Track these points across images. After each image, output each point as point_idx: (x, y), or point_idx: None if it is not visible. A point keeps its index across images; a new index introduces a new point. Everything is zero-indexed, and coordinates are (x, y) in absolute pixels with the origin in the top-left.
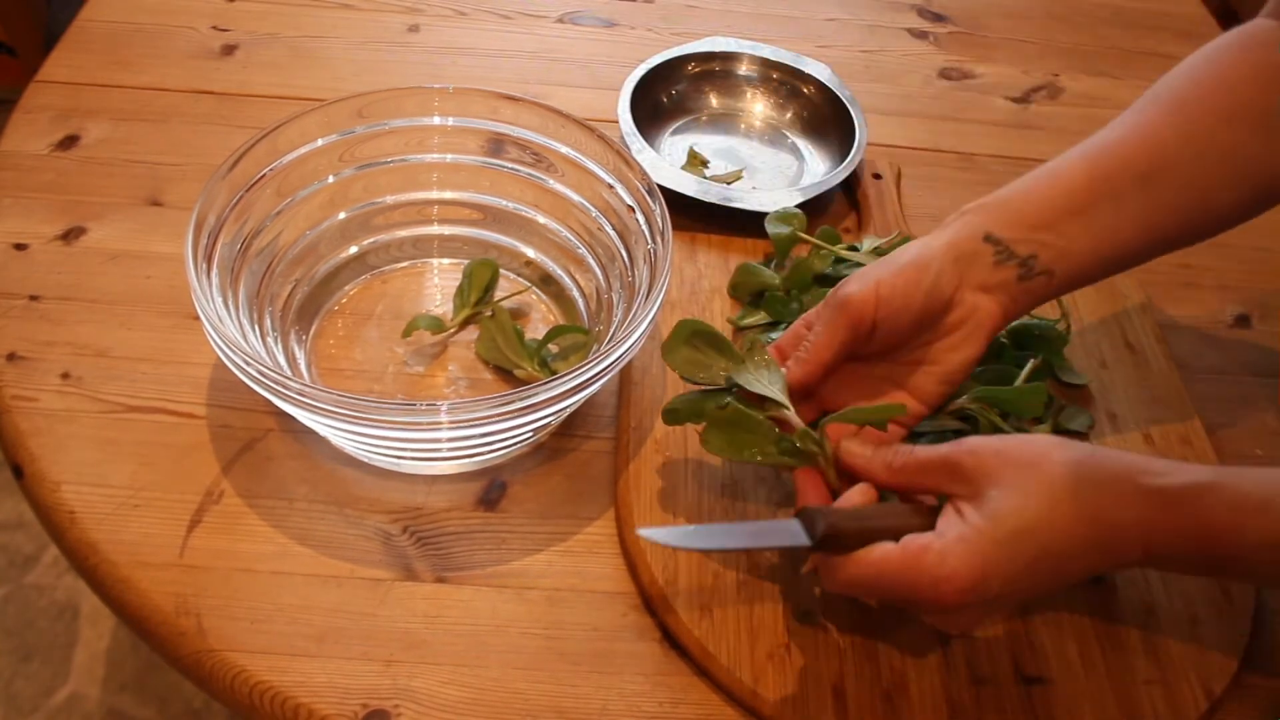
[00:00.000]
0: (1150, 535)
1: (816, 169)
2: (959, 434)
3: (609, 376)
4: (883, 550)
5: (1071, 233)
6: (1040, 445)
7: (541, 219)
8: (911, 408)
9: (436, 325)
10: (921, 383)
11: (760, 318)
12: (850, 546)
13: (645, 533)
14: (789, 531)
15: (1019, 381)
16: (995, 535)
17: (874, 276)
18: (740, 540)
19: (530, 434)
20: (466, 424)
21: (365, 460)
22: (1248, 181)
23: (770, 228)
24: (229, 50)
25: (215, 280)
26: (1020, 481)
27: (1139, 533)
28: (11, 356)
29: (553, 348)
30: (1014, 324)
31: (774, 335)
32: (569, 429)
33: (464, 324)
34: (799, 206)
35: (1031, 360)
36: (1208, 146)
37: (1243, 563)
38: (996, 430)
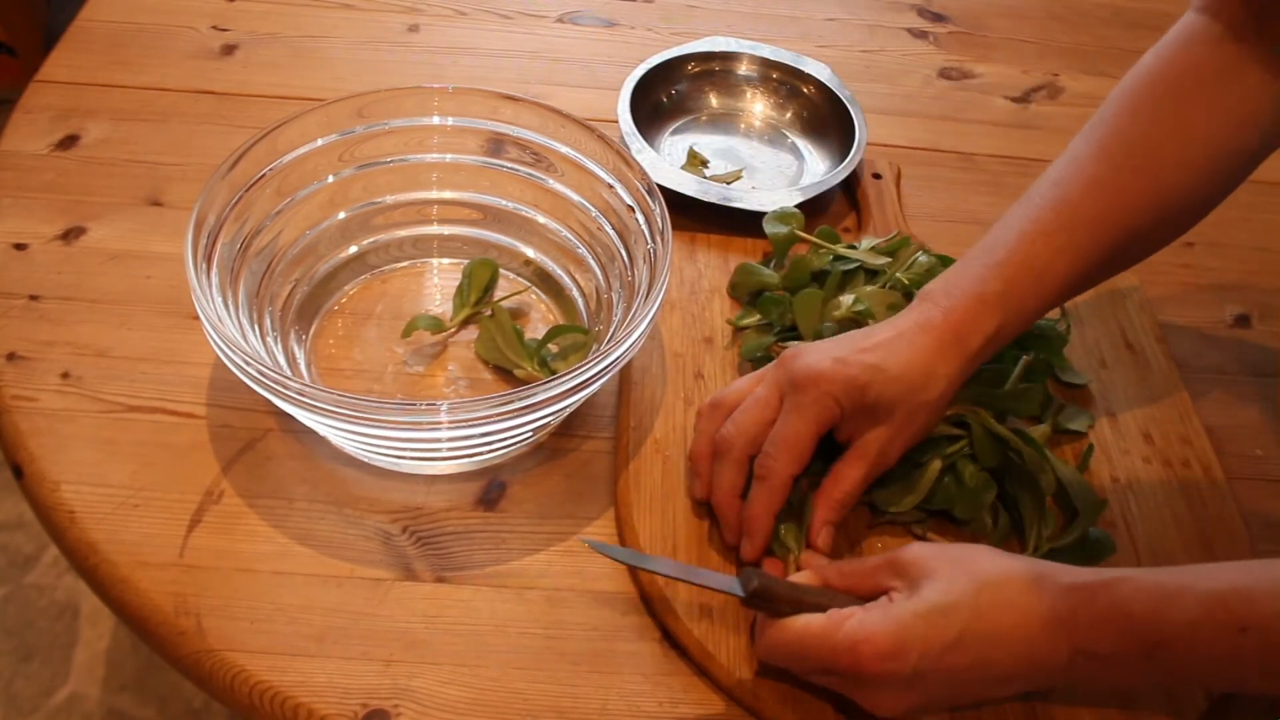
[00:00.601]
0: (1075, 630)
1: (816, 169)
2: (952, 440)
3: (609, 376)
4: (808, 618)
5: (1031, 305)
6: (976, 551)
7: (541, 219)
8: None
9: (436, 325)
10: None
11: (759, 319)
12: (783, 613)
13: (594, 544)
14: (727, 581)
15: (1011, 381)
16: (916, 609)
17: (901, 438)
18: (681, 574)
19: (530, 434)
20: (466, 424)
21: (365, 460)
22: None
23: (768, 227)
24: (229, 50)
25: (215, 280)
26: (951, 573)
27: (1064, 629)
28: (11, 356)
29: (552, 348)
30: None
31: (770, 338)
32: (569, 429)
33: (464, 324)
34: (799, 206)
35: (1023, 358)
36: (1174, 199)
37: (1176, 647)
38: (991, 433)
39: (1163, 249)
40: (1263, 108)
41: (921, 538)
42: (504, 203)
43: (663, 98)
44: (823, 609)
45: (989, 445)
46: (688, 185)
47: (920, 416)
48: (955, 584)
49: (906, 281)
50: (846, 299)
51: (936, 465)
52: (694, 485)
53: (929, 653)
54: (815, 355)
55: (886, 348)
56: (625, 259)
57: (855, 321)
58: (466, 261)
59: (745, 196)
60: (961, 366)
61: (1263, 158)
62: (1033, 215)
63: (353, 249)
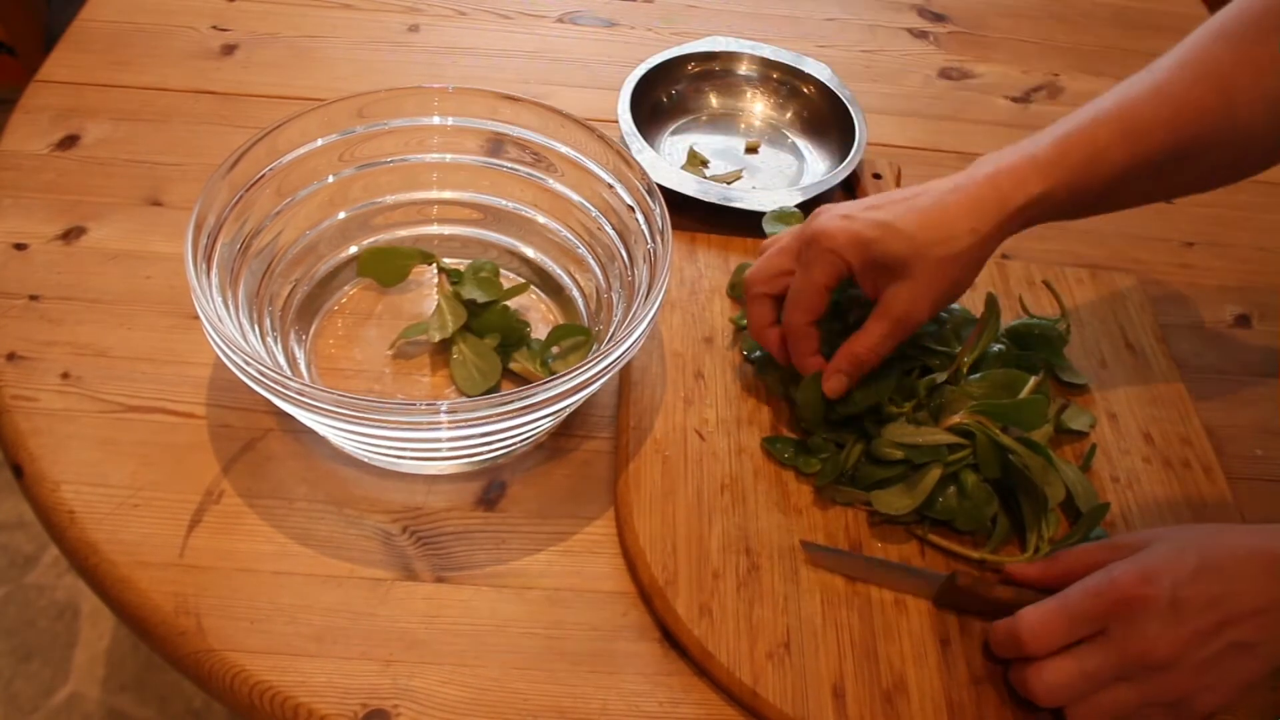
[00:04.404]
0: None
1: (816, 169)
2: (953, 448)
3: (609, 376)
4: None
5: (1082, 182)
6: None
7: (541, 219)
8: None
9: (423, 331)
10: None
11: None
12: (978, 614)
13: (809, 546)
14: (934, 577)
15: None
16: (1151, 551)
17: (927, 295)
18: (892, 570)
19: (530, 434)
20: (466, 424)
21: (365, 460)
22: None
23: (768, 227)
24: (229, 50)
25: (215, 280)
26: (1170, 534)
27: None
28: (11, 356)
29: (553, 349)
30: (1014, 324)
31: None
32: (569, 429)
33: (463, 326)
34: (799, 206)
35: (1033, 379)
36: (1243, 124)
37: None
38: (997, 444)
39: (1218, 183)
40: None
41: (922, 539)
42: (504, 203)
43: (663, 98)
44: (1018, 607)
45: (993, 457)
46: (688, 185)
47: (945, 271)
48: (1179, 536)
49: None
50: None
51: (936, 472)
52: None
53: (1180, 579)
54: (830, 214)
55: (906, 204)
56: (625, 259)
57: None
58: (467, 262)
59: (745, 196)
60: (999, 223)
61: None
62: (1095, 107)
63: (353, 249)
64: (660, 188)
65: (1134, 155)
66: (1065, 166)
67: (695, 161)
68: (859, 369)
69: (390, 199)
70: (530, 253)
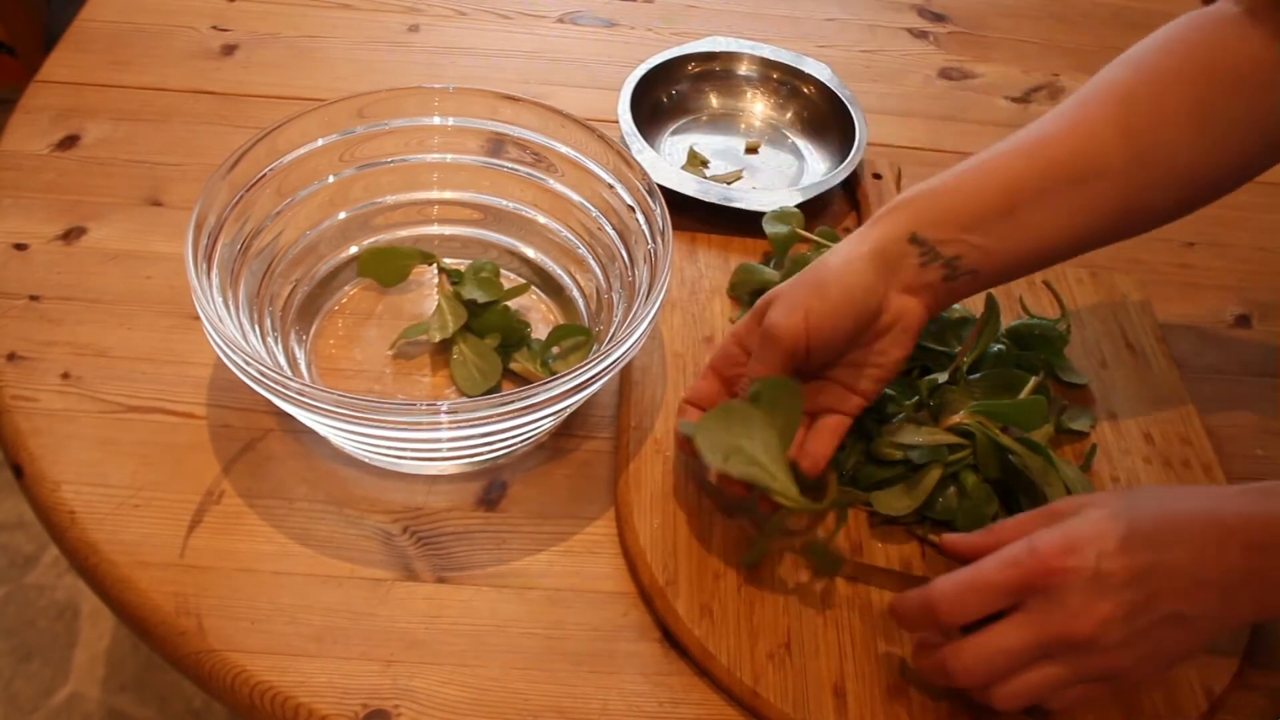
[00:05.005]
0: (1249, 524)
1: (816, 169)
2: (954, 448)
3: (609, 376)
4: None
5: (999, 233)
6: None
7: (541, 219)
8: (853, 403)
9: (424, 331)
10: (856, 382)
11: None
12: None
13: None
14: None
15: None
16: (1082, 519)
17: (802, 304)
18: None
19: (531, 434)
20: (467, 424)
21: (365, 460)
22: (1185, 183)
23: (768, 227)
24: (229, 50)
25: (215, 280)
26: (1104, 498)
27: (1237, 525)
28: (11, 356)
29: (554, 349)
30: (1014, 324)
31: None
32: (569, 429)
33: (463, 326)
34: (799, 206)
35: (1033, 379)
36: (1147, 148)
37: None
38: (997, 444)
39: (1163, 253)
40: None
41: (922, 539)
42: (504, 203)
43: (663, 98)
44: None
45: (993, 457)
46: (688, 185)
47: (885, 345)
48: (1113, 500)
49: None
50: None
51: (936, 472)
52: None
53: (1106, 549)
54: (780, 309)
55: (833, 284)
56: (625, 259)
57: None
58: (467, 262)
59: (745, 196)
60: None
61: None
62: (1010, 141)
63: (353, 249)
64: (660, 188)
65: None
66: (926, 204)
67: (695, 162)
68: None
69: (390, 199)
70: (530, 253)
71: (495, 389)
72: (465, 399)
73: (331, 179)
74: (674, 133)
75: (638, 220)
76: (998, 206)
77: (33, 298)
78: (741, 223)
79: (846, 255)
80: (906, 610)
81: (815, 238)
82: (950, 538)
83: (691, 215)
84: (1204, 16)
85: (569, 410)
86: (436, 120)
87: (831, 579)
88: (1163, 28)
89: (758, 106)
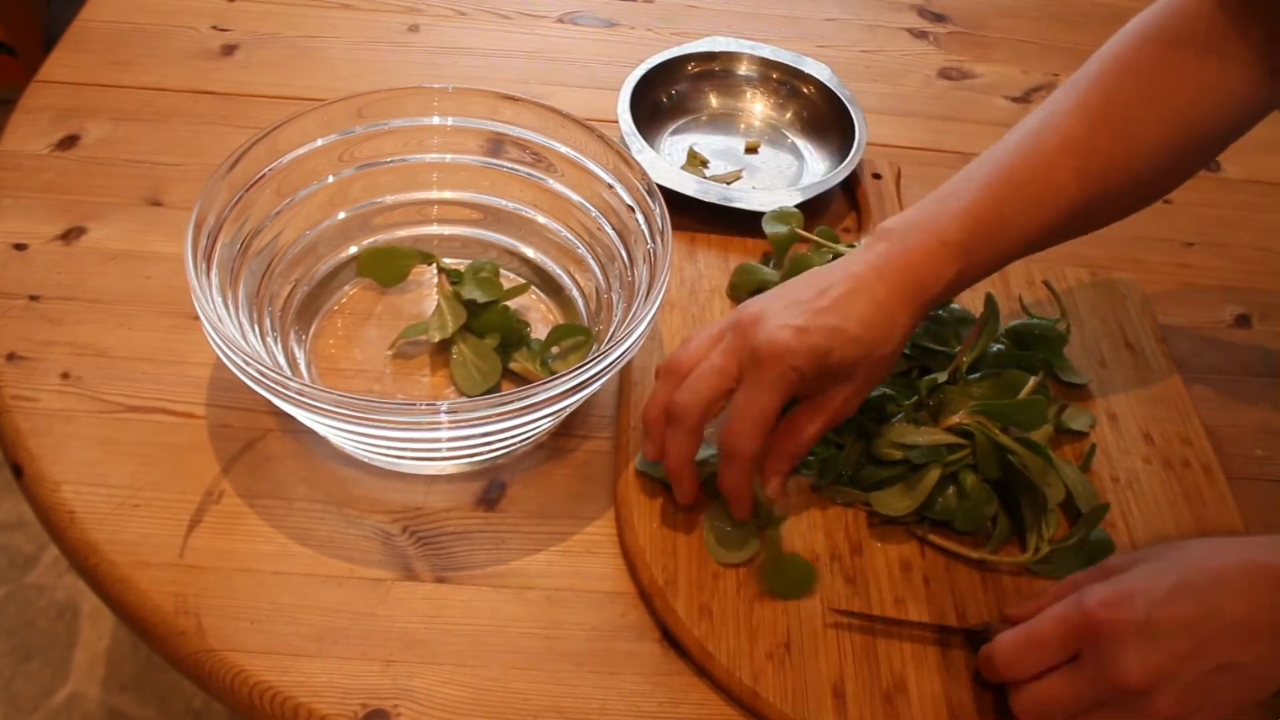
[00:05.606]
0: None
1: (816, 169)
2: (953, 448)
3: (609, 376)
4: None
5: (989, 259)
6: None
7: (541, 219)
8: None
9: (423, 331)
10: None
11: None
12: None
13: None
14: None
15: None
16: (1130, 574)
17: (865, 390)
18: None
19: (530, 434)
20: (466, 424)
21: (365, 460)
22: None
23: (768, 227)
24: (229, 50)
25: (215, 280)
26: (1156, 550)
27: None
28: (11, 356)
29: (553, 349)
30: (1014, 324)
31: None
32: (569, 429)
33: (463, 326)
34: (799, 206)
35: (1033, 379)
36: (1146, 168)
37: None
38: (996, 444)
39: (1157, 243)
40: (1244, 86)
41: (922, 539)
42: (504, 203)
43: (663, 98)
44: None
45: (992, 457)
46: (688, 185)
47: (880, 369)
48: (1162, 553)
49: None
50: None
51: (936, 472)
52: (645, 447)
53: (1156, 599)
54: (774, 324)
55: (846, 304)
56: (625, 259)
57: None
58: (467, 262)
59: (745, 196)
60: (920, 311)
61: (1235, 137)
62: (1004, 164)
63: (353, 249)
64: (660, 188)
65: (1039, 220)
66: (974, 246)
67: (695, 161)
68: (794, 464)
69: (390, 199)
70: (530, 253)
71: (495, 389)
72: (465, 399)
73: (331, 179)
74: (674, 133)
75: (637, 220)
76: (1018, 246)
77: (32, 298)
78: (741, 223)
79: (875, 304)
80: (981, 666)
81: (815, 238)
82: (1013, 609)
83: (691, 215)
84: (1172, 8)
85: (568, 410)
86: (436, 120)
87: (776, 528)
88: (1137, 18)
89: (757, 106)
